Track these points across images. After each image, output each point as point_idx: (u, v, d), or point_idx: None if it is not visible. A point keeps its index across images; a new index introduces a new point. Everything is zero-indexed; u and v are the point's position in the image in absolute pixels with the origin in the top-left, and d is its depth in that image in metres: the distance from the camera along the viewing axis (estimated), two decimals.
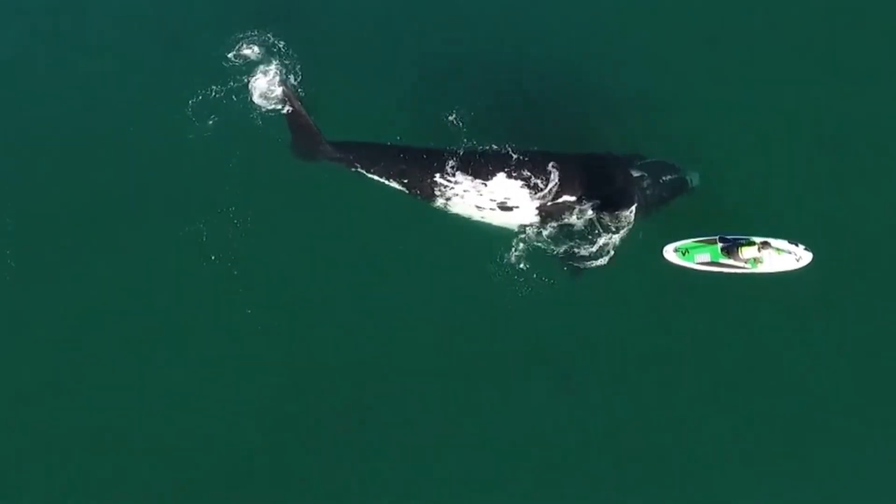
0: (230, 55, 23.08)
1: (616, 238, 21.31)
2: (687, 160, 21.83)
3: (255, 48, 23.04)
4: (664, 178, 21.69)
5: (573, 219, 21.43)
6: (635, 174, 21.50)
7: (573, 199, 21.23)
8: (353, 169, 21.69)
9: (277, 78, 22.44)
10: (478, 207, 21.34)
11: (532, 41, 23.36)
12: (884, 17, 23.13)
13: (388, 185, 21.73)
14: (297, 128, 21.78)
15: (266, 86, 22.59)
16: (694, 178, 21.75)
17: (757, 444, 20.80)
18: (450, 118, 22.14)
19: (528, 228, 21.47)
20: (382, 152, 21.62)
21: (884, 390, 20.99)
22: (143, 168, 22.94)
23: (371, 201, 22.02)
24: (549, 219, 21.38)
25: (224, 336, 21.71)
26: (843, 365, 21.12)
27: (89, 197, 22.78)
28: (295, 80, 22.79)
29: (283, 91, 21.82)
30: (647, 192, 21.41)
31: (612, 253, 21.30)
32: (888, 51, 22.88)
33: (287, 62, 22.89)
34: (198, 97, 22.82)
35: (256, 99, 22.56)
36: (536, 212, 21.31)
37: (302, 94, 22.47)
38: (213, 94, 22.84)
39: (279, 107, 22.45)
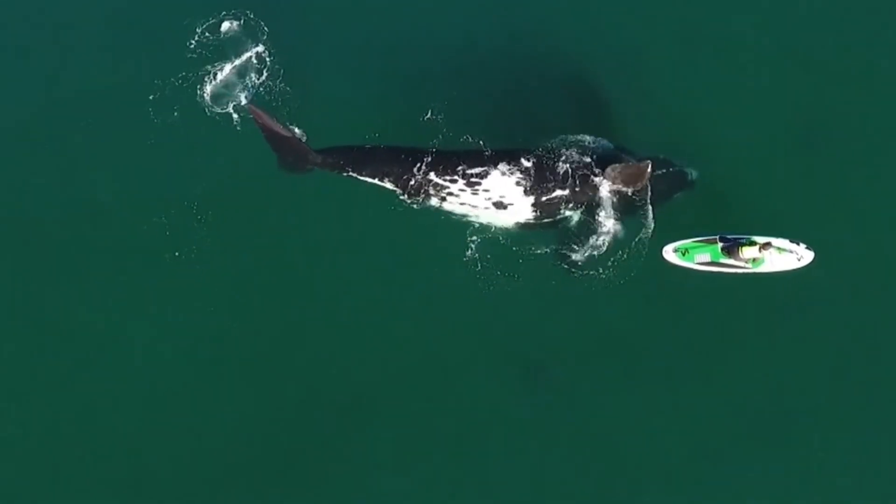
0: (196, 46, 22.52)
1: (612, 227, 20.95)
2: (683, 156, 21.41)
3: (224, 44, 22.48)
4: (662, 172, 21.20)
5: (569, 213, 21.05)
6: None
7: (567, 192, 20.80)
8: (345, 173, 21.18)
9: (244, 95, 21.89)
10: (472, 206, 20.94)
11: (524, 35, 22.84)
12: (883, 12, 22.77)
13: (381, 186, 21.23)
14: (277, 143, 21.06)
15: (219, 87, 22.11)
16: (693, 173, 21.34)
17: (755, 442, 20.55)
18: (435, 118, 21.65)
19: (523, 226, 21.09)
20: (372, 154, 21.15)
21: (888, 390, 20.76)
22: (104, 161, 22.42)
23: (343, 196, 21.57)
24: (545, 215, 20.99)
25: (190, 334, 21.42)
26: (847, 365, 20.88)
27: (41, 193, 22.29)
28: (263, 83, 22.19)
29: (251, 109, 20.89)
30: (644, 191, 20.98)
31: (606, 248, 20.94)
32: (887, 49, 22.53)
33: (257, 69, 22.31)
34: (158, 92, 22.23)
35: (211, 98, 22.09)
36: (532, 208, 20.91)
37: (279, 103, 21.96)
38: (174, 87, 22.26)
39: (233, 108, 21.98)
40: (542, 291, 21.02)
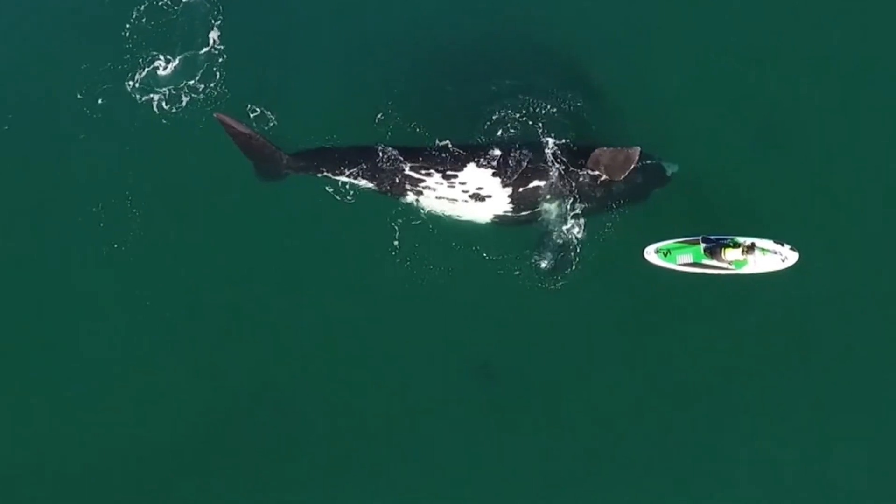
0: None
1: (591, 224, 20.76)
2: (661, 150, 21.12)
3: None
4: (638, 164, 20.71)
5: (548, 205, 20.78)
6: None
7: (544, 183, 20.58)
8: (320, 175, 20.94)
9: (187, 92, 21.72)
10: (450, 200, 20.73)
11: (496, 30, 22.56)
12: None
13: (358, 186, 21.02)
14: (250, 151, 20.75)
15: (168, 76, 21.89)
16: (671, 168, 21.02)
17: (733, 445, 20.44)
18: (403, 115, 21.49)
19: (501, 218, 20.84)
20: (348, 153, 20.93)
21: (875, 391, 20.59)
22: (44, 153, 22.24)
23: (296, 193, 21.38)
24: (523, 206, 20.73)
25: (133, 330, 21.29)
26: (833, 368, 20.68)
27: None
28: (215, 80, 22.01)
29: (219, 118, 20.48)
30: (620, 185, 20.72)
31: (585, 246, 20.75)
32: (882, 50, 22.19)
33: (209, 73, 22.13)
34: (92, 84, 22.08)
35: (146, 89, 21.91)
36: (509, 199, 20.66)
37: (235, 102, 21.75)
38: (110, 76, 22.10)
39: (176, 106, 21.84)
40: (519, 290, 20.80)
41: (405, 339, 21.08)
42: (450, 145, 20.78)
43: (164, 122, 21.94)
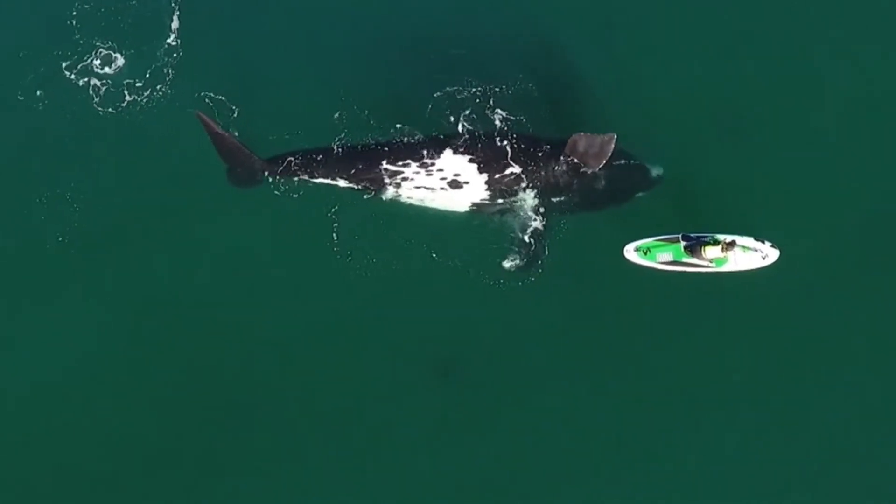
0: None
1: (568, 221, 20.63)
2: (647, 152, 20.96)
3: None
4: (622, 163, 20.76)
5: (525, 195, 20.58)
6: None
7: (520, 170, 20.39)
8: (296, 179, 20.72)
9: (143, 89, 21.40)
10: (428, 189, 20.53)
11: (468, 25, 22.31)
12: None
13: (337, 186, 20.80)
14: (227, 156, 20.54)
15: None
16: (656, 171, 20.86)
17: (707, 444, 20.31)
18: (373, 111, 21.25)
19: (479, 208, 20.65)
20: (323, 154, 20.73)
21: (857, 390, 20.48)
22: None
23: (249, 192, 21.12)
24: (500, 195, 20.54)
25: (74, 331, 20.96)
26: (814, 365, 20.57)
27: None
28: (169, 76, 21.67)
29: (199, 117, 20.23)
30: (601, 181, 20.60)
31: (562, 244, 20.62)
32: (866, 49, 22.02)
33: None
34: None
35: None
36: (486, 187, 20.46)
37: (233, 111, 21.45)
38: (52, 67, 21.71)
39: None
40: (493, 288, 20.62)
41: (368, 337, 20.87)
42: (418, 135, 20.73)
43: (111, 113, 21.57)
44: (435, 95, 21.23)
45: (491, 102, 21.06)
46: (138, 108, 21.57)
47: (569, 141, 20.10)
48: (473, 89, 21.18)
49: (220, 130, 20.28)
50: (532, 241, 20.55)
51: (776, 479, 20.20)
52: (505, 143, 20.53)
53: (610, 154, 20.01)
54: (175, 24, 21.93)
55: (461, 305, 20.74)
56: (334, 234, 20.72)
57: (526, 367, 20.67)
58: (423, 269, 20.66)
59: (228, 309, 20.98)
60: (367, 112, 21.16)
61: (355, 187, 20.74)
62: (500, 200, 20.63)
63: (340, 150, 20.77)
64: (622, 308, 20.82)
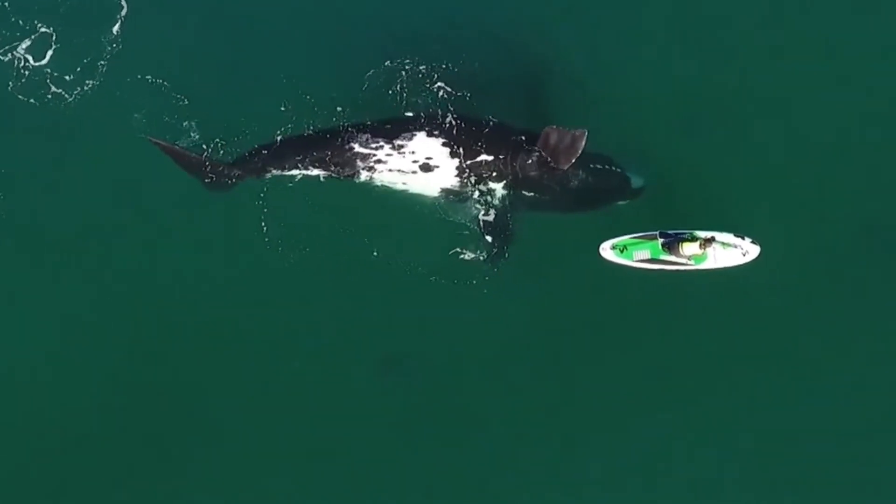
0: None
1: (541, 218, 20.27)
2: (632, 160, 20.55)
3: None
4: (600, 167, 20.30)
5: (494, 185, 20.12)
6: None
7: (492, 158, 19.96)
8: (268, 175, 20.28)
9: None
10: (401, 171, 20.08)
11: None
12: None
13: (310, 176, 20.34)
14: (193, 170, 20.23)
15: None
16: (637, 180, 20.44)
17: (682, 447, 19.99)
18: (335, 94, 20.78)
19: (449, 195, 20.22)
20: (288, 146, 20.25)
21: (839, 388, 20.15)
22: None
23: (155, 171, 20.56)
24: (470, 181, 20.09)
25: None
26: (794, 364, 20.23)
27: None
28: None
29: (153, 142, 19.93)
30: (577, 182, 20.11)
31: (530, 240, 20.26)
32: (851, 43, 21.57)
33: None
34: None
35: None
36: (456, 171, 20.00)
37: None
38: None
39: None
40: (458, 281, 20.24)
41: (320, 333, 20.54)
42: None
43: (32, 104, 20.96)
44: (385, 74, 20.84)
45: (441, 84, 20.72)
46: (63, 103, 20.98)
47: (542, 133, 19.64)
48: (426, 70, 20.80)
49: (175, 149, 20.05)
50: (498, 233, 20.14)
51: (750, 481, 19.96)
52: (473, 128, 20.07)
53: (580, 150, 19.51)
54: (124, 12, 21.28)
55: (416, 301, 20.33)
56: (263, 226, 20.32)
57: (487, 365, 20.27)
58: (380, 261, 20.29)
59: (177, 304, 20.61)
60: (326, 98, 20.67)
61: (328, 174, 20.29)
62: (468, 190, 20.20)
63: (307, 138, 20.31)
64: (597, 307, 20.40)
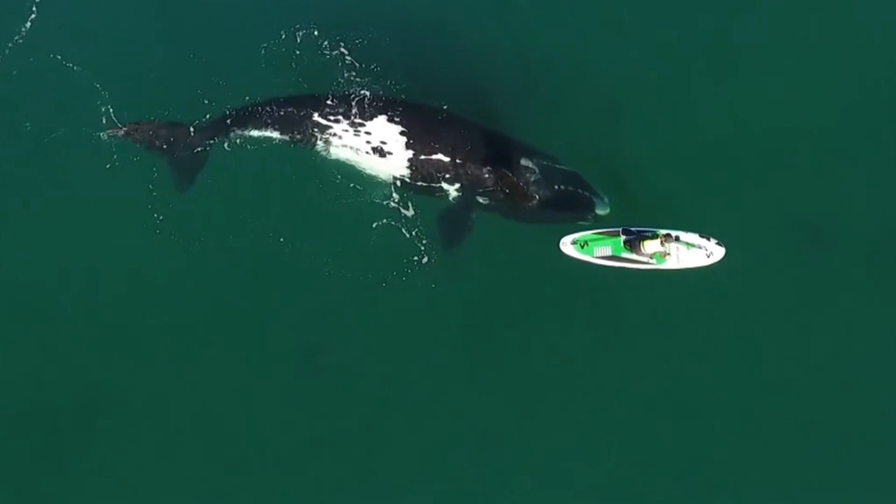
0: None
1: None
2: (601, 183, 20.09)
3: None
4: (565, 188, 19.88)
5: (447, 185, 19.85)
6: (524, 163, 19.78)
7: (448, 159, 19.72)
8: (233, 134, 20.20)
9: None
10: (354, 149, 19.97)
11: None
12: None
13: (269, 138, 20.23)
14: (159, 147, 20.16)
15: None
16: (602, 207, 19.93)
17: (633, 451, 19.44)
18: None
19: (397, 182, 19.93)
20: (255, 109, 20.25)
21: (803, 395, 19.64)
22: None
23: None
24: (420, 177, 19.84)
25: None
26: (758, 370, 19.71)
27: None
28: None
29: (112, 134, 19.96)
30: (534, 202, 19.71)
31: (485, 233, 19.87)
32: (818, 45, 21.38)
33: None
34: None
35: None
36: (408, 164, 19.77)
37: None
38: None
39: None
40: (404, 270, 19.76)
41: (235, 324, 20.05)
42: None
43: None
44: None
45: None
46: None
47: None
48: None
49: (133, 125, 20.05)
50: (450, 227, 19.85)
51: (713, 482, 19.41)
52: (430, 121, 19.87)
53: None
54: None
55: (352, 294, 19.83)
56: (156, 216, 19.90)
57: (423, 357, 19.79)
58: (323, 248, 19.90)
59: (92, 298, 20.04)
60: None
61: (288, 140, 20.21)
62: (422, 183, 19.95)
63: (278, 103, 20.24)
64: (553, 303, 19.94)
